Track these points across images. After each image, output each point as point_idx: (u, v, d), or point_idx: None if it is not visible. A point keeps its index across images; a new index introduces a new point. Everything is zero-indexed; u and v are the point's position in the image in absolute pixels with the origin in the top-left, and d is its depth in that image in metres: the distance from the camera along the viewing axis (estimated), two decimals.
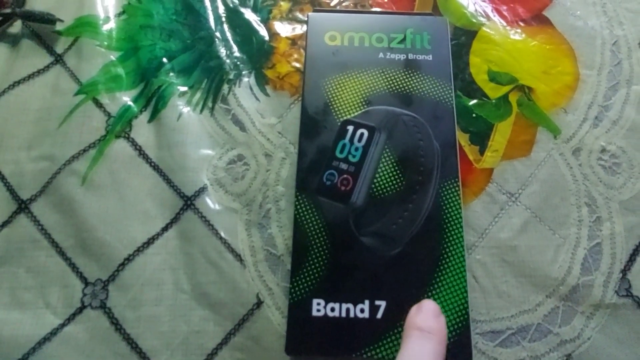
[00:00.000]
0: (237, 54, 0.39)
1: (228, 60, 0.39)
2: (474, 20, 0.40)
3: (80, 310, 0.32)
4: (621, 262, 0.32)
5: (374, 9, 0.41)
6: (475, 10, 0.41)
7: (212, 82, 0.38)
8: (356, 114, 0.32)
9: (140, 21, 0.40)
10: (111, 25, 0.40)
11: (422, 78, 0.33)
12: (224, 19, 0.41)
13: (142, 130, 0.37)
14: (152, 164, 0.35)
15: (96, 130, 0.36)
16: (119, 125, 0.37)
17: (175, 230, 0.34)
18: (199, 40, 0.40)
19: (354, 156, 0.31)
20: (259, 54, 0.39)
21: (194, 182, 0.35)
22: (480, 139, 0.36)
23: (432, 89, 0.33)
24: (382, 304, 0.28)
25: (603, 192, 0.34)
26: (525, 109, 0.37)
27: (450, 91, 0.33)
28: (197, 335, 0.31)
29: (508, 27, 0.40)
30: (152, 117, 0.37)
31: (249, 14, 0.41)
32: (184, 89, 0.38)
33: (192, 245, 0.33)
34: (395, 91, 0.33)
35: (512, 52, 0.39)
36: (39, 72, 0.39)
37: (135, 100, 0.38)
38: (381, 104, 0.33)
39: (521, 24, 0.40)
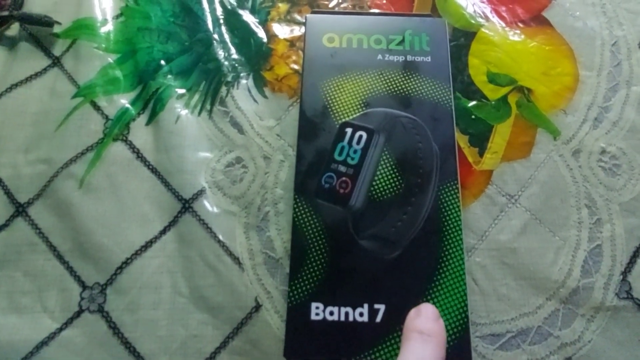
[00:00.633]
0: (235, 56, 0.39)
1: (226, 63, 0.39)
2: (473, 22, 0.40)
3: (78, 314, 0.32)
4: (621, 264, 0.32)
5: (372, 10, 0.41)
6: (474, 11, 0.40)
7: (210, 84, 0.38)
8: (355, 116, 0.32)
9: (137, 23, 0.40)
10: (109, 27, 0.40)
11: (420, 80, 0.33)
12: (222, 21, 0.41)
13: (139, 133, 0.36)
14: (150, 167, 0.35)
15: (94, 133, 0.36)
16: (117, 128, 0.36)
17: (174, 233, 0.33)
18: (196, 42, 0.40)
19: (352, 159, 0.31)
20: (257, 56, 0.39)
21: (192, 185, 0.34)
22: (480, 141, 0.36)
23: (431, 91, 0.33)
24: (382, 307, 0.27)
25: (603, 193, 0.34)
26: (525, 111, 0.37)
27: (449, 93, 0.33)
28: (195, 339, 0.31)
29: (507, 28, 0.40)
30: (150, 120, 0.37)
31: (247, 16, 0.41)
32: (181, 91, 0.38)
33: (190, 249, 0.33)
34: (394, 93, 0.33)
35: (511, 53, 0.39)
36: (37, 74, 0.39)
37: (133, 103, 0.37)
38: (380, 106, 0.32)
39: (520, 25, 0.40)
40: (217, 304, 0.31)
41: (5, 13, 0.40)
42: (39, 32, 0.40)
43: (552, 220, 0.33)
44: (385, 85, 0.33)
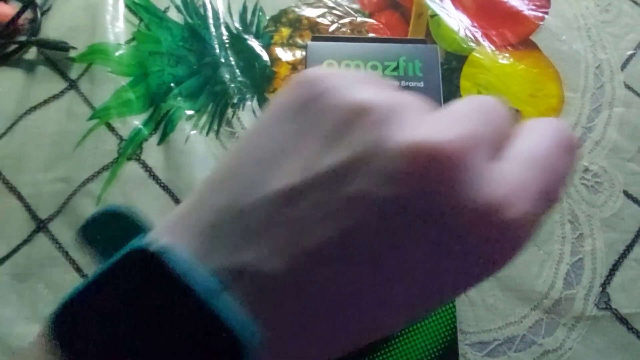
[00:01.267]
0: (240, 78, 0.42)
1: (232, 85, 0.41)
2: (465, 46, 0.42)
3: None
4: (601, 276, 0.35)
5: (370, 35, 0.44)
6: (466, 35, 0.43)
7: (218, 106, 0.40)
8: None
9: (149, 48, 0.43)
10: (122, 51, 0.43)
11: None
12: (227, 45, 0.43)
13: (152, 152, 0.39)
14: (162, 185, 0.38)
15: (109, 153, 0.39)
16: (131, 148, 0.39)
17: None
18: (204, 65, 0.42)
19: None
20: (261, 79, 0.42)
21: None
22: None
23: None
24: None
25: (585, 209, 0.37)
26: None
27: None
28: None
29: (497, 52, 0.42)
30: (162, 140, 0.39)
31: (251, 40, 0.43)
32: (190, 112, 0.40)
33: None
34: None
35: (500, 76, 0.41)
36: (54, 97, 0.41)
37: (145, 124, 0.40)
38: None
39: (509, 48, 0.42)
40: None
41: (24, 38, 0.43)
42: (55, 56, 0.43)
43: (537, 235, 0.36)
44: None
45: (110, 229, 0.15)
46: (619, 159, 0.38)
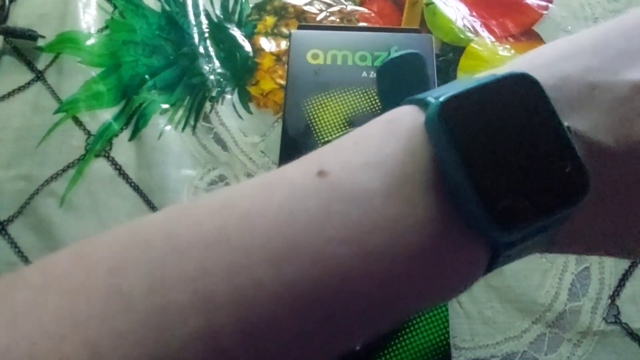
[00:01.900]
0: (220, 70, 0.39)
1: (211, 77, 0.38)
2: (462, 36, 0.39)
3: None
4: (610, 287, 0.32)
5: (360, 24, 0.41)
6: (464, 25, 0.40)
7: (195, 99, 0.38)
8: (338, 135, 0.31)
9: (123, 36, 0.40)
10: (93, 40, 0.40)
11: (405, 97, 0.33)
12: (207, 34, 0.40)
13: (122, 149, 0.36)
14: (132, 184, 0.35)
15: (76, 149, 0.36)
16: (99, 144, 0.36)
17: None
18: (182, 56, 0.39)
19: None
20: (242, 70, 0.39)
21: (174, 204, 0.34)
22: None
23: None
24: None
25: None
26: None
27: None
28: None
29: (497, 43, 0.39)
30: (133, 136, 0.36)
31: (233, 29, 0.40)
32: (165, 106, 0.37)
33: None
34: (378, 111, 0.32)
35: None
36: (20, 89, 0.38)
37: (116, 118, 0.37)
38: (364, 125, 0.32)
39: (510, 39, 0.39)
40: None
41: None
42: (23, 45, 0.40)
43: None
44: (370, 103, 0.33)
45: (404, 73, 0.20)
46: None
